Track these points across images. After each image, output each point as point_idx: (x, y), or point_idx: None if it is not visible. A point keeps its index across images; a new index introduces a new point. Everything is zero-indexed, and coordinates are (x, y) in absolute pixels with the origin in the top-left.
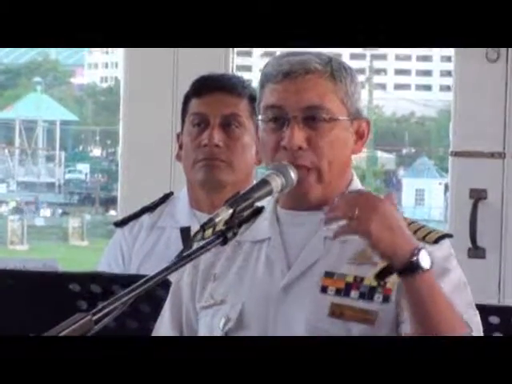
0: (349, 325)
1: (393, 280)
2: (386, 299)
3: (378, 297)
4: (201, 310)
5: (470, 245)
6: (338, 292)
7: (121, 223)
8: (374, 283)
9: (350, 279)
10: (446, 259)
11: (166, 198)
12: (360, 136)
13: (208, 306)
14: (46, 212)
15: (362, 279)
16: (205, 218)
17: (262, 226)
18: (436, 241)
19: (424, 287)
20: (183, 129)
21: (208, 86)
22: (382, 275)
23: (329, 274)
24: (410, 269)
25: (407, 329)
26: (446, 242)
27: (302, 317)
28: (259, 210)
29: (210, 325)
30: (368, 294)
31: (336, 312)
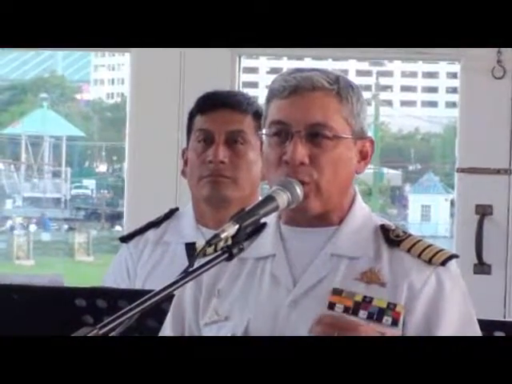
0: None
1: (402, 304)
2: (394, 323)
3: (387, 319)
4: (204, 327)
5: (475, 261)
6: (346, 310)
7: (126, 238)
8: (384, 305)
9: (358, 298)
10: (453, 288)
11: (171, 213)
12: (363, 156)
13: (212, 322)
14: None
15: (372, 300)
16: (210, 233)
17: (265, 243)
18: (443, 263)
19: None
20: (188, 145)
21: (213, 103)
22: None
23: (337, 292)
24: None
25: None
26: (453, 264)
27: (304, 333)
28: (262, 226)
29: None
30: (377, 316)
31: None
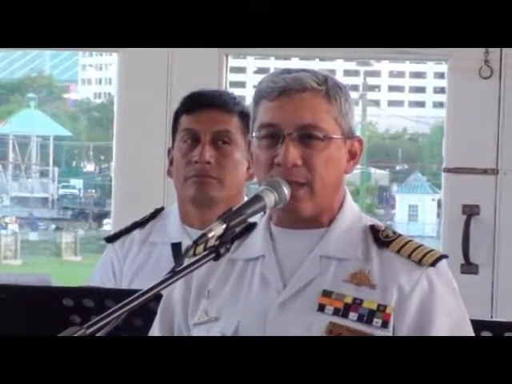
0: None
1: (392, 306)
2: (384, 325)
3: (377, 322)
4: (194, 327)
5: (462, 261)
6: (336, 312)
7: (112, 238)
8: (374, 307)
9: (348, 300)
10: (444, 289)
11: (157, 213)
12: (352, 156)
13: (201, 322)
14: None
15: (362, 302)
16: (196, 233)
17: (255, 243)
18: (433, 263)
19: None
20: (174, 144)
21: (199, 103)
22: None
23: (326, 293)
24: None
25: None
26: (444, 265)
27: (299, 335)
28: (251, 227)
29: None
30: (367, 318)
31: (333, 332)
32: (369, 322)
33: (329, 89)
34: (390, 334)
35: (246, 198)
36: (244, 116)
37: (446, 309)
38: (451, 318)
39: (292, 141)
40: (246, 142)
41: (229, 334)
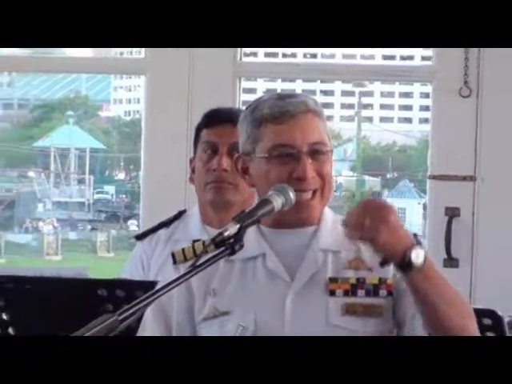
0: (363, 319)
1: (390, 277)
2: (389, 293)
3: (383, 292)
4: (202, 321)
5: (445, 256)
6: (346, 293)
7: (141, 237)
8: (376, 281)
9: (353, 281)
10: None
11: (180, 214)
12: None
13: (212, 317)
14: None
15: (364, 280)
16: (214, 232)
17: (248, 245)
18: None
19: (424, 281)
20: (195, 155)
21: (217, 119)
22: (384, 263)
23: (333, 280)
24: (404, 266)
25: (418, 328)
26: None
27: (319, 319)
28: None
29: (220, 333)
30: (373, 291)
31: (350, 310)
32: (376, 294)
33: (320, 109)
34: (392, 302)
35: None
36: None
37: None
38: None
39: (306, 157)
40: None
41: (248, 325)
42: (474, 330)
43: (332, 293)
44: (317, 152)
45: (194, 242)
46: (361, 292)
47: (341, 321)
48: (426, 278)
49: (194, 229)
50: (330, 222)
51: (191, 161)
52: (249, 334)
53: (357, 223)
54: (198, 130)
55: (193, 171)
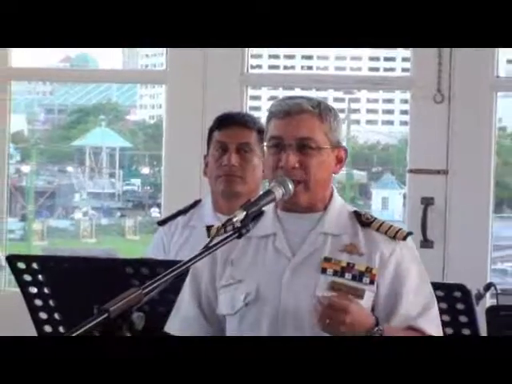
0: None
1: (376, 268)
2: (371, 282)
3: (366, 280)
4: (221, 288)
5: (421, 238)
6: (335, 273)
7: (162, 223)
8: (363, 269)
9: (344, 264)
10: (412, 256)
11: (196, 203)
12: (339, 161)
13: (229, 284)
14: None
15: (354, 265)
16: (225, 218)
17: (265, 225)
18: (404, 238)
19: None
20: (208, 152)
21: (227, 121)
22: None
23: (327, 259)
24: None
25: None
26: (410, 239)
27: (309, 292)
28: (261, 213)
29: (233, 297)
30: (358, 277)
31: (335, 288)
32: (360, 280)
33: (321, 111)
34: (375, 289)
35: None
36: (261, 132)
37: (414, 270)
38: (418, 277)
39: (292, 149)
40: (262, 151)
41: (251, 292)
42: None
43: (323, 271)
44: (304, 146)
45: (208, 227)
46: (348, 275)
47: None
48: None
49: (207, 216)
50: (337, 209)
51: (205, 157)
52: (250, 299)
53: (320, 320)
54: (211, 131)
55: (206, 166)
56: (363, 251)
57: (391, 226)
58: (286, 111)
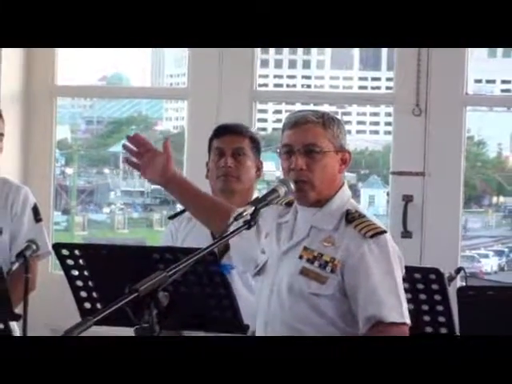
0: (309, 281)
1: (338, 259)
2: (333, 271)
3: (328, 268)
4: (260, 254)
5: (402, 229)
6: (308, 260)
7: (172, 217)
8: (328, 259)
9: (315, 254)
10: (381, 252)
11: None
12: (343, 162)
13: (262, 252)
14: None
15: (322, 255)
16: None
17: (288, 214)
18: (372, 236)
19: None
20: (209, 159)
21: (223, 130)
22: None
23: (305, 248)
24: None
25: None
26: (381, 237)
27: (289, 272)
28: (290, 204)
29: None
30: (323, 265)
31: (304, 272)
32: (324, 268)
33: (324, 120)
34: (338, 278)
35: (255, 191)
36: (253, 138)
37: (375, 265)
38: (378, 272)
39: (300, 154)
40: (255, 154)
41: (261, 264)
42: None
43: (300, 257)
44: (310, 151)
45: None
46: (316, 263)
47: (296, 278)
48: None
49: None
50: (335, 205)
51: (207, 164)
52: (258, 269)
53: None
54: (211, 140)
55: (208, 170)
56: (336, 244)
57: (368, 224)
58: (295, 122)
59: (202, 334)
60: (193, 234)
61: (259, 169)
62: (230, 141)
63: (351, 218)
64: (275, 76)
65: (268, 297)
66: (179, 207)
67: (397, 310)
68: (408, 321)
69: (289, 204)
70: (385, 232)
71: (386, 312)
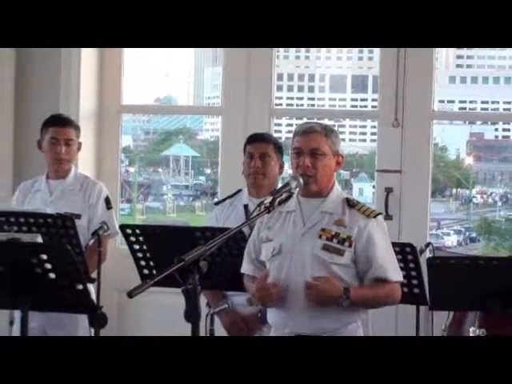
0: (331, 254)
1: (354, 237)
2: (349, 245)
3: (346, 244)
4: (263, 242)
5: (385, 213)
6: (327, 238)
7: (217, 203)
8: (345, 236)
9: (333, 233)
10: (381, 229)
11: (238, 191)
12: (338, 163)
13: (266, 240)
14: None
15: (339, 234)
16: (255, 200)
17: (290, 205)
18: (375, 216)
19: (356, 304)
20: (244, 160)
21: (253, 138)
22: None
23: (323, 229)
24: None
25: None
26: (380, 217)
27: (310, 250)
28: (290, 196)
29: (267, 250)
30: (341, 242)
31: (325, 248)
32: (342, 244)
33: (326, 131)
34: (352, 250)
35: (279, 184)
36: (276, 144)
37: (382, 240)
38: (385, 245)
39: (307, 155)
40: (277, 157)
41: (276, 247)
42: (392, 302)
43: (320, 237)
44: (314, 153)
45: (245, 205)
46: (335, 240)
47: (320, 253)
48: (356, 304)
49: (244, 199)
50: (335, 195)
51: (243, 163)
52: (275, 252)
53: (308, 297)
54: (245, 145)
55: (244, 169)
56: (347, 224)
57: (368, 208)
58: (303, 131)
59: (203, 335)
60: (233, 217)
61: (281, 167)
62: (259, 146)
63: (352, 203)
64: (287, 98)
65: (286, 272)
66: (217, 197)
67: (397, 272)
68: (402, 279)
69: (280, 202)
70: (381, 213)
71: (391, 273)
